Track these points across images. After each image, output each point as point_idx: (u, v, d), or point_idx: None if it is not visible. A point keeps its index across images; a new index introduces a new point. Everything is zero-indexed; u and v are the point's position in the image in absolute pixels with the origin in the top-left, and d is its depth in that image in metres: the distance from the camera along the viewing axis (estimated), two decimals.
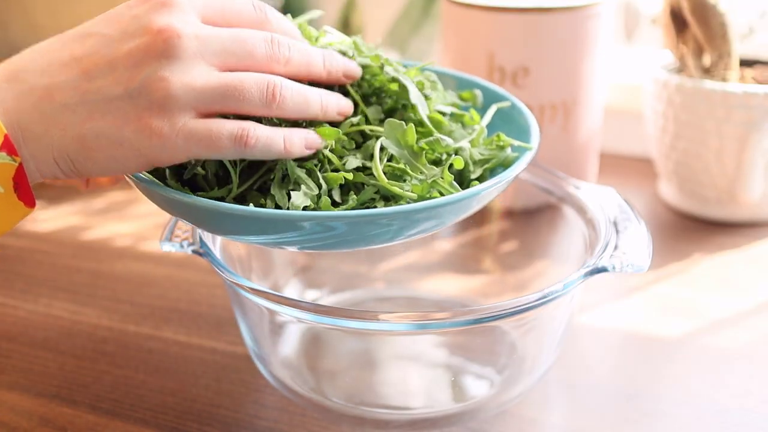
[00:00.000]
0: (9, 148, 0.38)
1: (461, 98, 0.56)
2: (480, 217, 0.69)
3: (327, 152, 0.46)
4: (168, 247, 0.53)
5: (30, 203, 0.40)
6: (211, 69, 0.41)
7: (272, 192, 0.45)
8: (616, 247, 0.51)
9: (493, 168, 0.50)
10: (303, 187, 0.45)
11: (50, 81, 0.40)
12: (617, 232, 0.53)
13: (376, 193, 0.47)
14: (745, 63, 0.83)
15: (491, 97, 0.56)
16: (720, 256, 0.74)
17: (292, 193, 0.45)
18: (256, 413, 0.55)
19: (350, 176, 0.46)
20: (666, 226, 0.80)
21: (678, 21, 0.78)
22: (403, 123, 0.47)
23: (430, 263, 0.70)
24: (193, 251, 0.52)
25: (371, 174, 0.47)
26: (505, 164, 0.50)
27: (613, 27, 0.95)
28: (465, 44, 0.76)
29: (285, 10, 1.04)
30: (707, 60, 0.78)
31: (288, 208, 0.44)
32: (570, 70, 0.75)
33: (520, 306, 0.47)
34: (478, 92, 0.56)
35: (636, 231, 0.53)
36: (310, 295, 0.66)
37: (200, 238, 0.52)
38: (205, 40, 0.41)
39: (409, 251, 0.71)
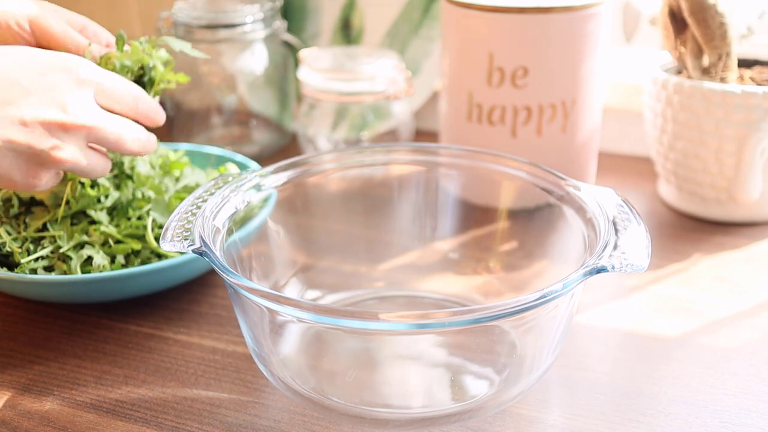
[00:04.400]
0: None
1: (219, 171, 0.75)
2: (480, 217, 0.69)
3: (107, 229, 0.64)
4: (168, 247, 0.53)
5: None
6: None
7: (71, 256, 0.63)
8: (615, 247, 0.51)
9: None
10: (98, 255, 0.63)
11: None
12: (616, 231, 0.53)
13: (151, 252, 0.66)
14: (744, 63, 0.83)
15: (242, 167, 0.77)
16: (719, 256, 0.75)
17: (94, 256, 0.63)
18: (256, 413, 0.56)
19: (138, 246, 0.64)
20: (665, 226, 0.80)
21: (677, 21, 0.79)
22: (165, 198, 0.67)
23: (430, 263, 0.70)
24: (194, 251, 0.52)
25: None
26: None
27: (612, 27, 0.95)
28: (465, 44, 0.77)
29: (285, 10, 1.04)
30: (706, 60, 0.78)
31: (88, 271, 0.62)
32: (569, 70, 0.75)
33: (519, 306, 0.47)
34: (231, 165, 0.76)
35: (635, 231, 0.53)
36: (310, 295, 0.66)
37: (201, 238, 0.52)
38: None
39: (409, 251, 0.71)
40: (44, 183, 0.55)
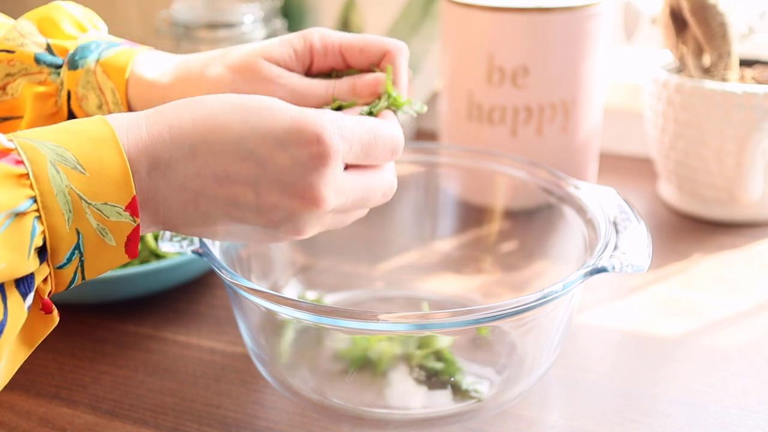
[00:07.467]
0: (133, 210, 0.39)
1: None
2: (480, 217, 0.69)
3: None
4: (167, 247, 0.53)
5: (133, 255, 0.41)
6: (336, 215, 0.45)
7: None
8: (615, 247, 0.51)
9: None
10: None
11: (200, 189, 0.41)
12: (617, 232, 0.53)
13: (150, 253, 0.66)
14: (745, 63, 0.83)
15: None
16: (719, 256, 0.74)
17: None
18: (255, 413, 0.55)
19: None
20: (666, 226, 0.80)
21: (678, 21, 0.78)
22: None
23: (430, 263, 0.70)
24: (193, 251, 0.52)
25: None
26: None
27: (613, 27, 0.95)
28: (465, 44, 0.76)
29: (284, 9, 1.04)
30: (707, 60, 0.78)
31: None
32: (570, 70, 0.75)
33: (520, 306, 0.46)
34: None
35: (636, 231, 0.53)
36: (310, 295, 0.66)
37: (200, 238, 0.52)
38: (340, 197, 0.43)
39: (409, 251, 0.71)
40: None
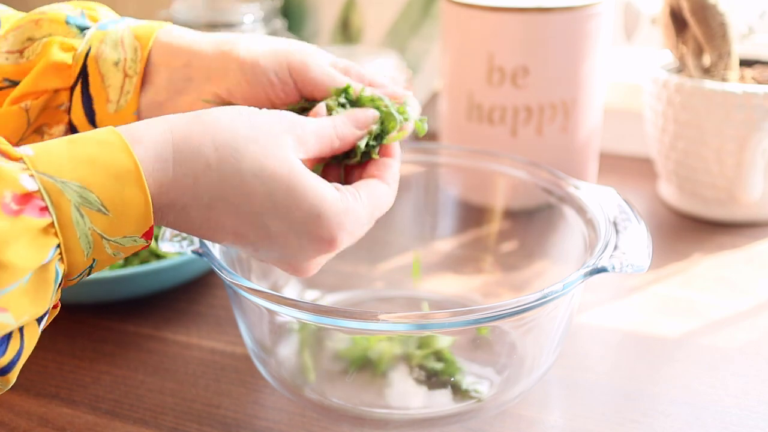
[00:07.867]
0: (148, 236, 0.40)
1: None
2: (480, 217, 0.69)
3: None
4: (167, 247, 0.53)
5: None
6: None
7: None
8: (615, 247, 0.51)
9: None
10: None
11: (206, 230, 0.43)
12: (617, 232, 0.53)
13: (150, 253, 0.66)
14: (745, 63, 0.83)
15: None
16: (719, 256, 0.74)
17: None
18: (255, 413, 0.55)
19: None
20: (666, 226, 0.80)
21: (678, 21, 0.78)
22: None
23: (430, 263, 0.70)
24: (193, 251, 0.52)
25: None
26: None
27: (613, 27, 0.95)
28: (465, 44, 0.76)
29: (284, 8, 1.04)
30: (707, 60, 0.78)
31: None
32: (570, 70, 0.75)
33: (520, 306, 0.46)
34: None
35: (636, 231, 0.53)
36: (310, 295, 0.66)
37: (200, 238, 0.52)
38: (325, 262, 0.49)
39: (409, 251, 0.71)
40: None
